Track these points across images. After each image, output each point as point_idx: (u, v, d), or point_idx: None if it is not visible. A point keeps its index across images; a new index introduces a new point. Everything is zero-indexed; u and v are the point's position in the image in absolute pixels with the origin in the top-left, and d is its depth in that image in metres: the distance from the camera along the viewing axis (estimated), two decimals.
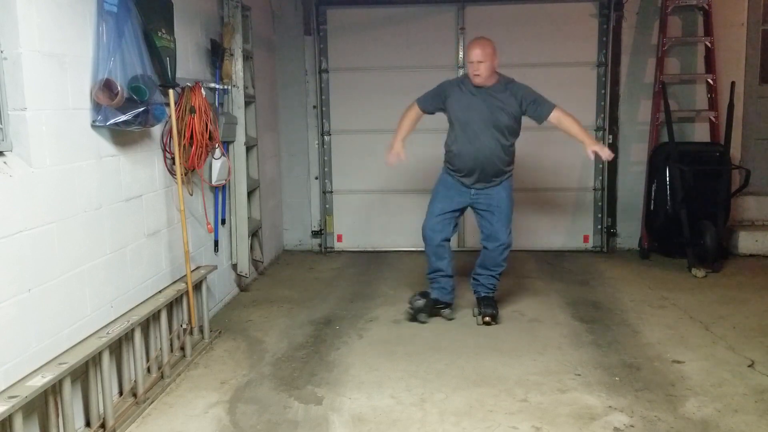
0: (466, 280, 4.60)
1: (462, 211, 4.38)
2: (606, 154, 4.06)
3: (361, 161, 6.39)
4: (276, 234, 6.35)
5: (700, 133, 6.16)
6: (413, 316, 4.36)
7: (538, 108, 4.14)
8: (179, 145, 3.75)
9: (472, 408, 3.16)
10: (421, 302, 4.35)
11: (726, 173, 5.70)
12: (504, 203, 4.25)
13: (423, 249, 4.41)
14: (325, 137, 6.42)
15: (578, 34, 6.12)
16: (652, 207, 5.96)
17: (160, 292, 3.64)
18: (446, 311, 4.44)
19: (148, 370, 3.44)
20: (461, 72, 6.12)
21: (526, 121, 4.26)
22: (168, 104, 3.56)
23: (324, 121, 6.39)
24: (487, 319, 4.28)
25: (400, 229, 6.45)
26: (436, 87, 4.35)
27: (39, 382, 2.48)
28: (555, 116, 4.13)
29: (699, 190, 5.57)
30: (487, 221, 4.28)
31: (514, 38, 6.14)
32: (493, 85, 4.13)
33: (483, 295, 4.41)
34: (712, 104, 6.04)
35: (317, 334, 4.22)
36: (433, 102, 4.34)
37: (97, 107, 3.02)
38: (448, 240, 4.34)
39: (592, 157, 4.08)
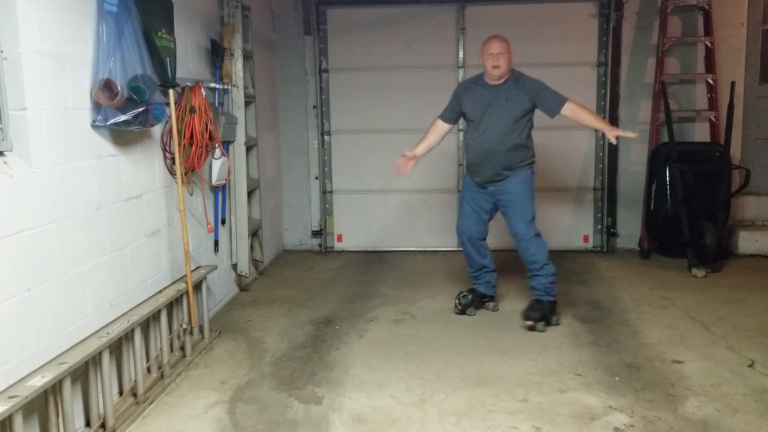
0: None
1: (491, 210, 4.37)
2: (629, 134, 4.06)
3: (361, 161, 6.40)
4: (276, 234, 6.35)
5: (700, 133, 6.16)
6: (462, 311, 4.45)
7: (549, 102, 4.15)
8: (179, 145, 3.74)
9: (472, 408, 3.16)
10: (468, 298, 4.48)
11: (726, 173, 5.70)
12: (518, 196, 4.21)
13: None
14: (325, 137, 6.42)
15: (578, 34, 6.12)
16: (652, 207, 5.96)
17: (160, 291, 3.64)
18: (491, 304, 4.58)
19: (148, 370, 3.44)
20: (461, 72, 6.13)
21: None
22: (168, 104, 3.56)
23: (324, 121, 6.39)
24: (528, 323, 4.18)
25: (401, 229, 6.45)
26: (453, 94, 4.41)
27: (39, 382, 2.48)
28: (569, 109, 4.12)
29: (699, 190, 5.57)
30: (508, 218, 4.28)
31: (514, 38, 6.03)
32: (505, 81, 4.18)
33: (533, 297, 4.32)
34: (712, 104, 6.03)
35: (317, 334, 4.22)
36: (452, 108, 4.37)
37: (97, 107, 3.02)
38: (485, 238, 4.42)
39: (615, 142, 4.11)
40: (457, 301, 4.50)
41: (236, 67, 4.74)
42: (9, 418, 2.30)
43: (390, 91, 6.27)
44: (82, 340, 2.89)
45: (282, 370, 3.66)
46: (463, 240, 4.45)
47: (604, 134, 6.12)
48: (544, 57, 6.09)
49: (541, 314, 4.19)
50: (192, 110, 3.89)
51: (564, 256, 6.15)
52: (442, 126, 4.41)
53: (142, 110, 3.14)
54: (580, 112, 4.13)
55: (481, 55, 4.20)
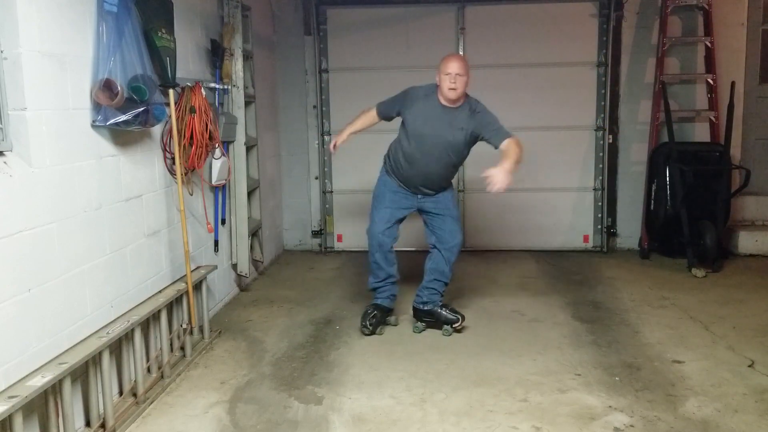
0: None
1: (406, 217, 4.30)
2: (494, 188, 3.62)
3: (361, 161, 6.36)
4: (276, 234, 6.35)
5: (700, 133, 6.16)
6: (372, 332, 4.14)
7: (495, 136, 3.90)
8: (179, 145, 3.74)
9: (472, 408, 3.16)
10: (377, 316, 4.20)
11: (726, 173, 5.70)
12: (451, 205, 4.21)
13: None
14: (325, 137, 6.42)
15: (578, 34, 6.12)
16: (652, 207, 5.96)
17: (160, 291, 3.64)
18: (392, 318, 4.36)
19: (148, 370, 3.44)
20: None
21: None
22: (168, 104, 3.56)
23: (324, 121, 6.39)
24: (456, 326, 4.13)
25: (400, 229, 6.43)
26: (401, 93, 4.17)
27: (39, 382, 2.48)
28: (505, 144, 3.85)
29: (699, 190, 5.57)
30: (439, 223, 4.19)
31: (514, 38, 6.15)
32: (459, 108, 3.95)
33: (440, 304, 4.22)
34: (712, 104, 6.04)
35: (317, 333, 4.22)
36: (392, 108, 4.20)
37: (97, 107, 3.02)
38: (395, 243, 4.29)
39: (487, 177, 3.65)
40: (367, 322, 4.13)
41: (236, 67, 4.74)
42: (9, 418, 2.30)
43: (390, 91, 6.18)
44: (82, 340, 2.89)
45: (282, 370, 3.66)
46: (374, 246, 4.22)
47: (603, 134, 6.20)
48: (544, 57, 6.10)
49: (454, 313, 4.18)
50: (192, 110, 3.89)
51: (564, 256, 6.16)
52: (375, 118, 4.29)
53: (142, 110, 3.14)
54: (511, 149, 3.80)
55: (437, 72, 3.95)
